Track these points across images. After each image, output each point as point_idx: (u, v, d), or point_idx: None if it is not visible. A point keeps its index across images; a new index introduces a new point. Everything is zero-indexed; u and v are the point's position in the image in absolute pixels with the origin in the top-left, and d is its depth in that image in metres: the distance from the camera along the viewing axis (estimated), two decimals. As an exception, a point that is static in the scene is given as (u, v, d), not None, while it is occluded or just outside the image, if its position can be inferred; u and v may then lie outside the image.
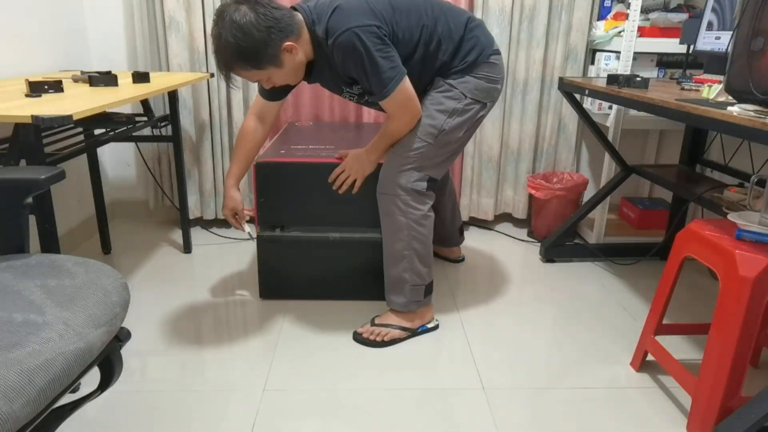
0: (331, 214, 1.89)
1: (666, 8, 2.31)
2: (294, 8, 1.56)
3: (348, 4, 1.50)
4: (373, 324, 1.76)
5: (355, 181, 1.79)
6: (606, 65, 2.34)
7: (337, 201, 1.87)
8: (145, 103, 2.17)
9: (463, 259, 2.35)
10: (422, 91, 1.68)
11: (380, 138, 1.69)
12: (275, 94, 1.77)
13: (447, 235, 2.24)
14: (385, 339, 1.72)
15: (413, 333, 1.77)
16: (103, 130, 1.95)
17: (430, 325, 1.81)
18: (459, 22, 1.62)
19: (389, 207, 1.67)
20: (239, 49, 1.43)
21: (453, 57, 1.62)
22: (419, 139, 1.63)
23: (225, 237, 2.58)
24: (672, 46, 2.23)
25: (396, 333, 1.73)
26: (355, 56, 1.48)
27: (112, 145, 2.66)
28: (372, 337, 1.72)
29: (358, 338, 1.74)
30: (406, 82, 1.55)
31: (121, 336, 0.99)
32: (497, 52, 1.68)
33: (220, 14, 1.44)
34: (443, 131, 1.63)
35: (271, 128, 1.85)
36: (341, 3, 1.50)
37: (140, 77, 1.87)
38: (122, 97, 1.51)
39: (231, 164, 1.85)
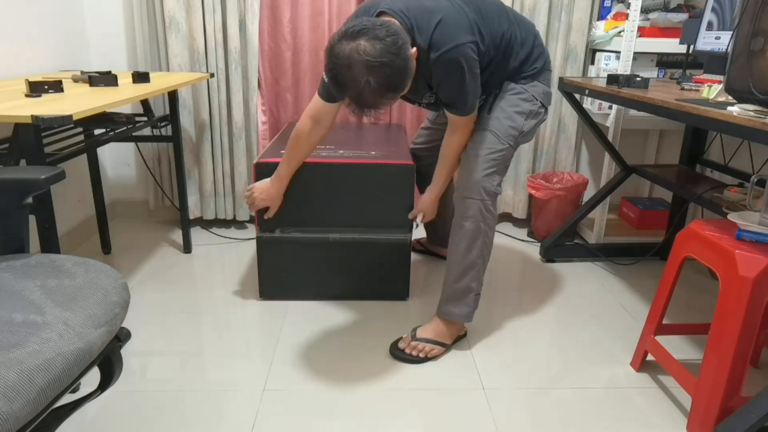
0: (331, 214, 1.89)
1: (666, 8, 2.31)
2: (381, 12, 1.47)
3: (450, 18, 1.45)
4: (414, 337, 1.68)
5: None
6: (606, 65, 2.34)
7: (337, 201, 1.87)
8: (145, 103, 2.17)
9: None
10: (487, 93, 1.66)
11: (441, 167, 1.73)
12: (335, 95, 1.66)
13: (449, 234, 2.24)
14: (429, 356, 1.66)
15: (450, 347, 1.72)
16: (103, 130, 1.95)
17: (462, 333, 1.77)
18: (529, 30, 1.64)
19: (471, 211, 1.61)
20: (388, 84, 1.31)
21: (523, 63, 1.62)
22: (502, 141, 1.60)
23: (225, 237, 2.58)
24: (672, 46, 2.23)
25: (439, 350, 1.67)
26: (455, 73, 1.47)
27: (112, 145, 2.66)
28: (413, 353, 1.65)
29: (399, 354, 1.66)
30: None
31: (121, 336, 0.99)
32: (549, 62, 1.74)
33: (346, 59, 1.28)
34: (522, 133, 1.63)
35: (328, 131, 1.75)
36: (444, 16, 1.44)
37: (140, 77, 1.87)
38: (122, 97, 1.51)
39: (281, 164, 1.79)
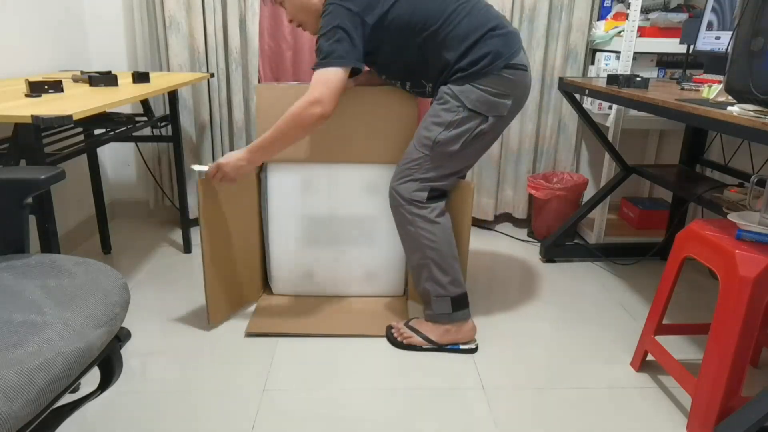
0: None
1: (666, 8, 2.31)
2: None
3: None
4: (406, 324, 1.75)
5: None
6: (606, 65, 2.34)
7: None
8: (145, 103, 2.17)
9: None
10: (417, 83, 1.67)
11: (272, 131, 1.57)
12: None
13: None
14: (405, 342, 1.71)
15: (439, 347, 1.71)
16: (103, 130, 1.94)
17: (463, 346, 1.72)
18: (482, 24, 1.54)
19: (397, 218, 1.68)
20: None
21: (460, 59, 1.55)
22: (416, 150, 1.62)
23: (225, 237, 2.58)
24: (672, 46, 2.23)
25: (417, 340, 1.70)
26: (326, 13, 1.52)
27: (112, 145, 2.66)
28: (396, 335, 1.73)
29: (388, 333, 1.76)
30: (339, 73, 1.50)
31: (121, 336, 0.99)
32: (515, 66, 1.56)
33: None
34: (437, 143, 1.59)
35: None
36: None
37: (140, 77, 1.87)
38: (122, 97, 1.51)
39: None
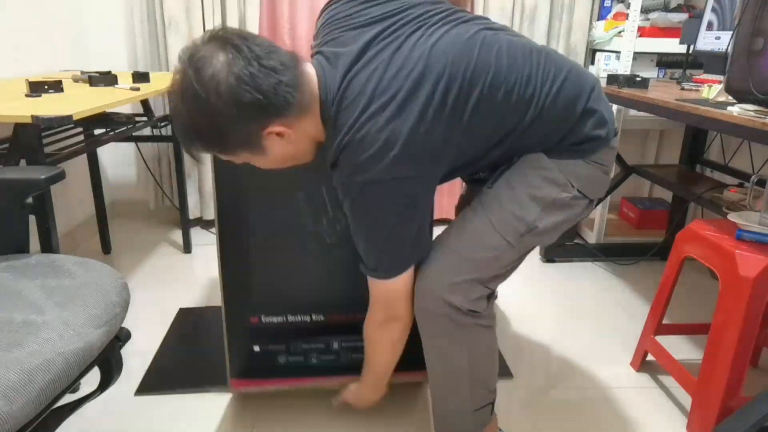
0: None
1: (666, 8, 2.31)
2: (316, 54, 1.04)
3: (401, 132, 0.93)
4: None
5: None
6: (606, 65, 2.34)
7: None
8: (145, 103, 2.17)
9: None
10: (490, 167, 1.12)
11: (366, 351, 1.23)
12: None
13: None
14: None
15: None
16: (103, 130, 1.95)
17: None
18: (581, 89, 1.04)
19: (435, 329, 1.11)
20: (194, 125, 0.91)
21: (561, 140, 1.06)
22: (496, 234, 1.06)
23: (225, 237, 2.58)
24: (672, 46, 2.23)
25: None
26: (359, 211, 1.02)
27: (112, 145, 2.65)
28: None
29: None
30: (405, 277, 1.07)
31: (121, 336, 0.99)
32: (616, 132, 1.12)
33: (188, 61, 0.87)
34: (534, 230, 1.07)
35: None
36: (375, 109, 0.93)
37: (140, 77, 1.87)
38: (122, 97, 1.51)
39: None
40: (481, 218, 1.08)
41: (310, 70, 0.97)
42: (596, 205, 1.23)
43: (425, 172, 0.98)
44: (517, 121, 1.01)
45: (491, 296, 1.14)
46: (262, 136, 0.93)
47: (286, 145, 0.96)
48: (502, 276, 1.14)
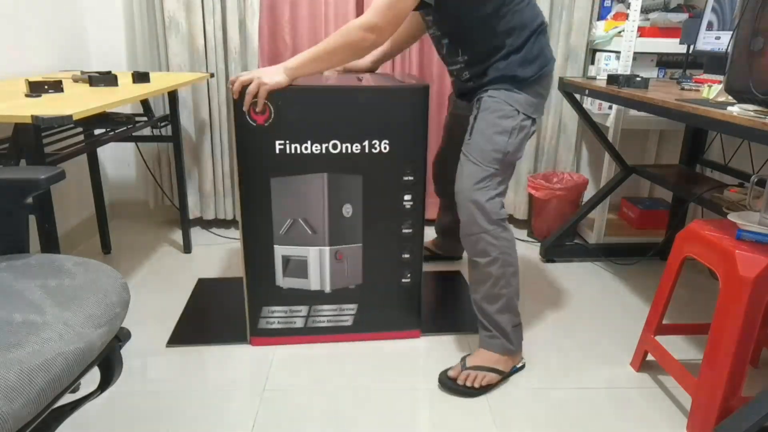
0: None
1: (666, 8, 2.31)
2: None
3: None
4: (464, 366, 1.52)
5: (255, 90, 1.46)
6: (606, 65, 2.34)
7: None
8: (145, 103, 2.17)
9: (459, 258, 2.35)
10: (460, 56, 1.55)
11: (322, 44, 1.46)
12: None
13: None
14: (482, 384, 1.50)
15: (506, 376, 1.56)
16: (103, 130, 1.95)
17: (519, 365, 1.61)
18: (536, 15, 1.51)
19: (478, 247, 1.50)
20: None
21: (516, 51, 1.48)
22: (485, 168, 1.48)
23: (225, 237, 2.58)
24: (672, 46, 2.23)
25: (492, 377, 1.51)
26: None
27: (112, 145, 2.65)
28: (467, 383, 1.49)
29: (449, 384, 1.51)
30: (408, 1, 1.38)
31: (121, 336, 0.99)
32: (554, 60, 1.58)
33: None
34: (508, 153, 1.49)
35: (393, 52, 1.86)
36: None
37: (140, 77, 1.87)
38: (122, 97, 1.51)
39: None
40: (470, 164, 1.50)
41: None
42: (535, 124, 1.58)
43: None
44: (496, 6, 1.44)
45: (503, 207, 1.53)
46: None
47: None
48: (503, 192, 1.54)
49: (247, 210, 1.60)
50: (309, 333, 1.73)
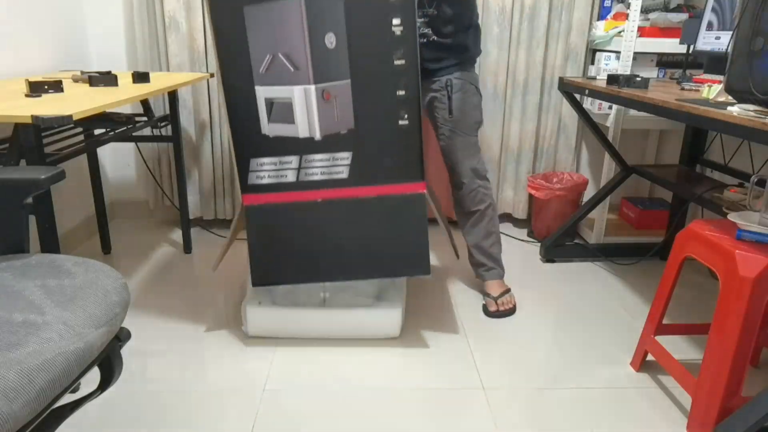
0: None
1: (666, 8, 2.31)
2: None
3: None
4: (495, 299, 1.94)
5: None
6: (606, 65, 2.34)
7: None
8: (145, 103, 2.17)
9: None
10: (443, 30, 1.81)
11: None
12: None
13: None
14: (513, 303, 1.96)
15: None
16: (103, 130, 1.95)
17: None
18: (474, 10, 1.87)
19: (476, 198, 1.92)
20: None
21: (476, 29, 1.89)
22: (470, 136, 1.90)
23: (225, 237, 2.58)
24: (672, 46, 2.23)
25: (510, 295, 1.98)
26: None
27: (112, 145, 2.66)
28: (505, 308, 1.93)
29: (496, 314, 1.93)
30: None
31: (121, 336, 0.99)
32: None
33: None
34: (481, 122, 1.95)
35: None
36: None
37: (140, 77, 1.87)
38: (122, 97, 1.51)
39: None
40: (460, 137, 1.89)
41: None
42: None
43: None
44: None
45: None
46: None
47: None
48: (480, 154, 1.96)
49: (223, 46, 1.47)
50: (302, 188, 1.60)
